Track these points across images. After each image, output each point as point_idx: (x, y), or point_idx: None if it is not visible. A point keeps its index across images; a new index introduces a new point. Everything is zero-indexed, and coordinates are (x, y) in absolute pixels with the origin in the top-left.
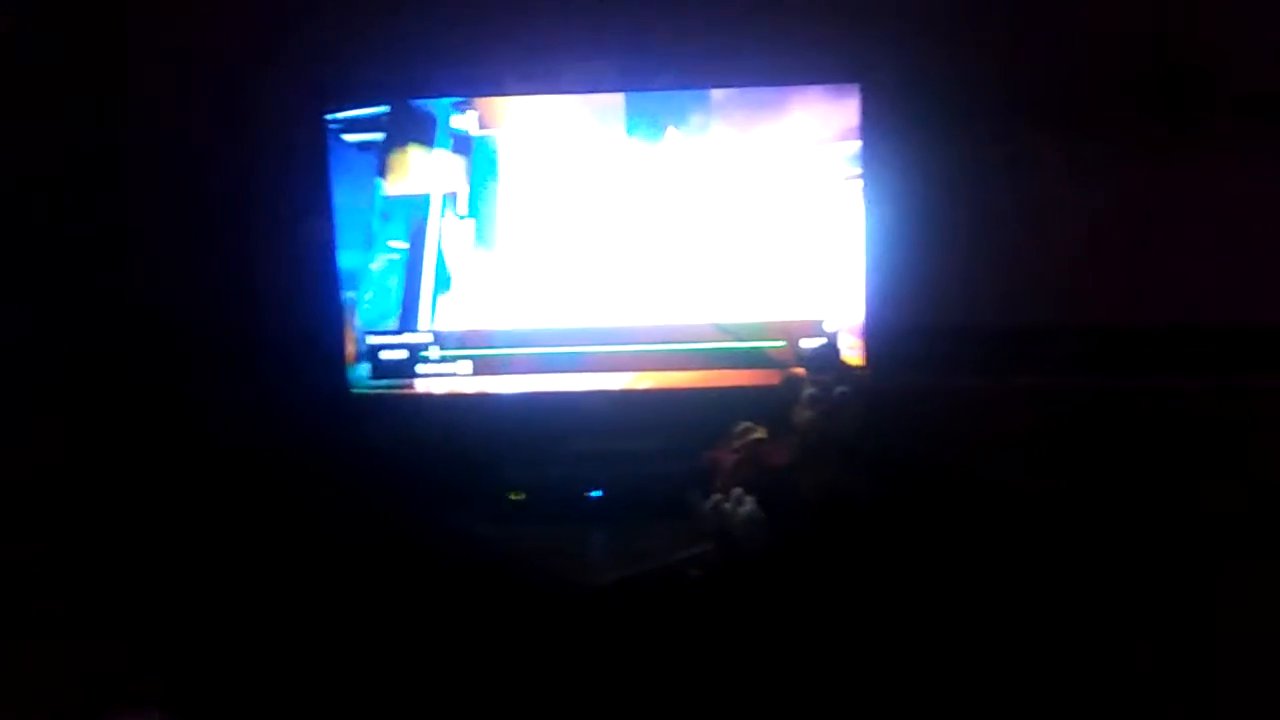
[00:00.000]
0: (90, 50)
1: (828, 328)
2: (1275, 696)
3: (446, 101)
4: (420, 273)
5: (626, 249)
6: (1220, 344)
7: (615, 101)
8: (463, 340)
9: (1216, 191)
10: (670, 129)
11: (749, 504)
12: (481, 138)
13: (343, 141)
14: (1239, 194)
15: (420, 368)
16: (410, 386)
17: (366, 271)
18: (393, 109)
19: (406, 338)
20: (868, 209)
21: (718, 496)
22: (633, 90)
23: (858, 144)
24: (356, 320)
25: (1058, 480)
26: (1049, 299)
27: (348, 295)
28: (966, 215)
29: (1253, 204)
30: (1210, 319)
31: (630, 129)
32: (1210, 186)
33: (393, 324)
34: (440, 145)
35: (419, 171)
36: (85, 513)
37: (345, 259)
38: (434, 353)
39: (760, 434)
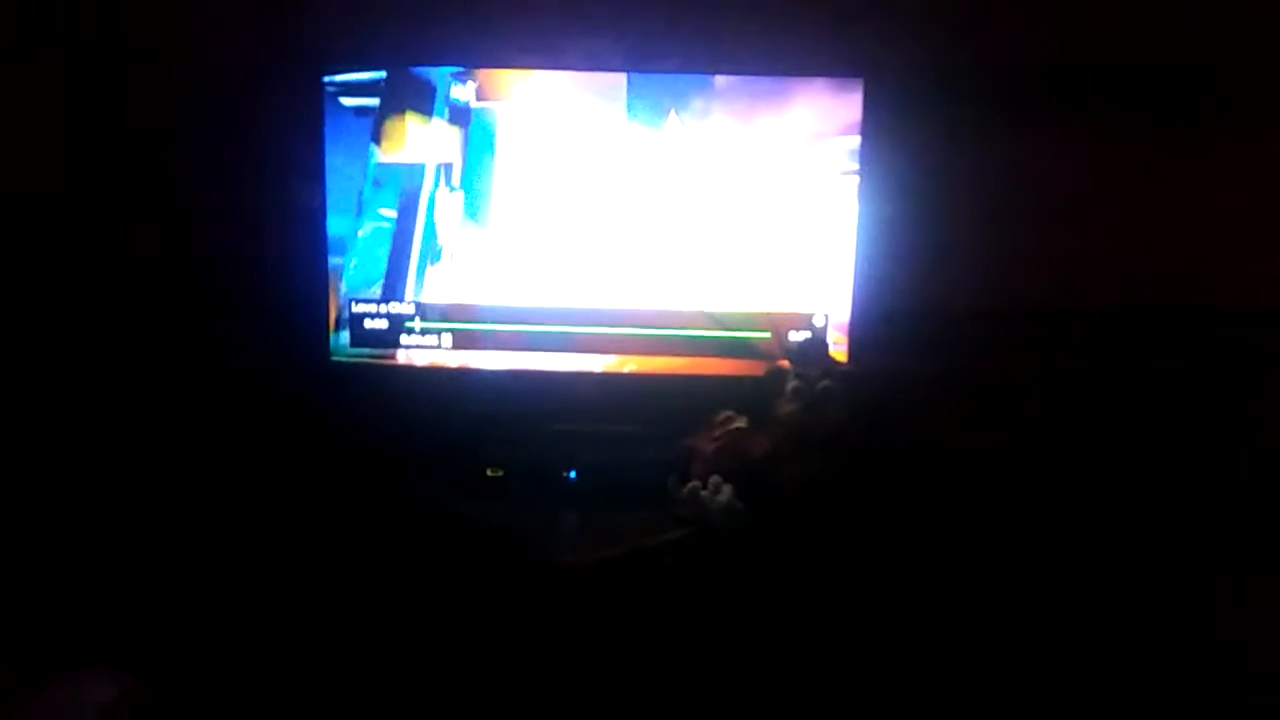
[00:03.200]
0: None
1: (815, 322)
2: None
3: (446, 71)
4: (409, 243)
5: (619, 231)
6: (1209, 326)
7: (618, 81)
8: (445, 313)
9: (1210, 182)
10: (671, 113)
11: (727, 492)
12: (480, 110)
13: (339, 105)
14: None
15: (402, 338)
16: (392, 357)
17: (354, 238)
18: (391, 75)
19: (389, 307)
20: (862, 205)
21: (696, 483)
22: (636, 71)
23: (856, 139)
24: (342, 287)
25: (1040, 463)
26: (1042, 286)
27: (334, 261)
28: (961, 211)
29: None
30: (1201, 302)
31: (631, 110)
32: (1205, 177)
33: (376, 292)
34: (438, 115)
35: (414, 140)
36: (60, 475)
37: (334, 224)
38: (416, 324)
39: (741, 423)
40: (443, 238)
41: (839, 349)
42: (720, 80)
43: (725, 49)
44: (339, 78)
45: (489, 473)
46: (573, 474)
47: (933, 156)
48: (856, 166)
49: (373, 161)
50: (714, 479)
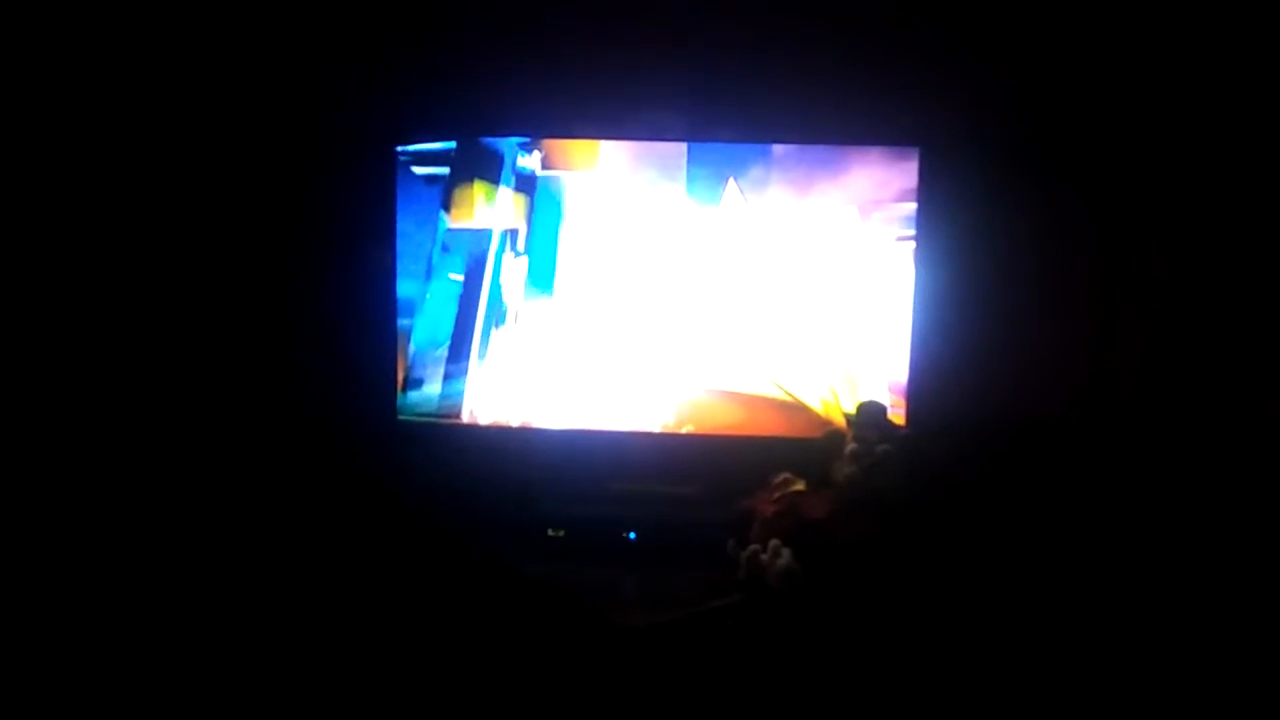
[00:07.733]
0: (166, 81)
1: (873, 386)
2: None
3: (513, 141)
4: (475, 306)
5: (681, 296)
6: None
7: (678, 151)
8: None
9: None
10: (730, 181)
11: (786, 556)
12: (545, 178)
13: (410, 173)
14: None
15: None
16: (456, 415)
17: (423, 300)
18: (460, 145)
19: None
20: (918, 271)
21: (755, 546)
22: (697, 140)
23: (912, 206)
24: (410, 347)
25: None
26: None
27: (403, 323)
28: (1017, 283)
29: None
30: None
31: (691, 179)
32: None
33: (443, 353)
34: (504, 183)
35: (482, 207)
36: (129, 531)
37: (403, 287)
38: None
39: (800, 486)
40: (508, 300)
41: (897, 413)
42: (778, 149)
43: (783, 119)
44: (411, 148)
45: (550, 532)
46: (632, 535)
47: (987, 225)
48: (913, 233)
49: (442, 227)
50: (773, 542)
